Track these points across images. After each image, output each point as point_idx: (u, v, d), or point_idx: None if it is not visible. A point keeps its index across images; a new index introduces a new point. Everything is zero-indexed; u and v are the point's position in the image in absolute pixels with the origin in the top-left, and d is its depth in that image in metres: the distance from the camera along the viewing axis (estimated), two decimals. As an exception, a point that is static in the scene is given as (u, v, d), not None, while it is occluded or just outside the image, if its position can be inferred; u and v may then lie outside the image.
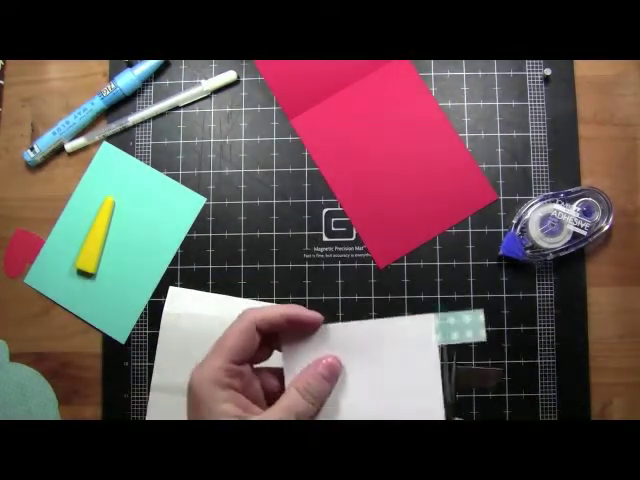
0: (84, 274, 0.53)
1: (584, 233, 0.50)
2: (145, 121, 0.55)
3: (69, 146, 0.54)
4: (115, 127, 0.54)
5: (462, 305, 0.51)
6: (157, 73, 0.55)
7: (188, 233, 0.54)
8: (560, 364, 0.51)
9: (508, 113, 0.53)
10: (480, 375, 0.32)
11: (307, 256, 0.53)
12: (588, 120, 0.53)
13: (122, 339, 0.53)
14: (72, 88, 0.56)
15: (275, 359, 0.35)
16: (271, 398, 0.34)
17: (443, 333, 0.32)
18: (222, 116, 0.55)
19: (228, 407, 0.30)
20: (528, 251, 0.50)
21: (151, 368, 0.52)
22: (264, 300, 0.52)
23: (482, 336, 0.32)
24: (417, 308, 0.52)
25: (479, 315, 0.32)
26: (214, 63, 0.55)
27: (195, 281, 0.53)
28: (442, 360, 0.33)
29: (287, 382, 0.33)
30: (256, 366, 0.34)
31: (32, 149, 0.54)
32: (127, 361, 0.53)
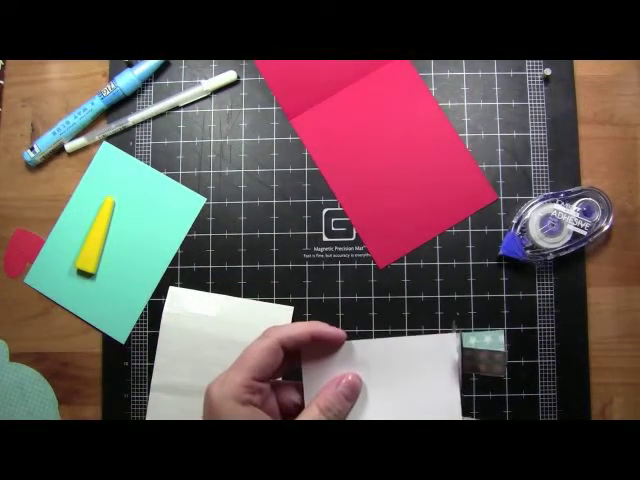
0: (84, 274, 0.53)
1: (584, 233, 0.50)
2: (145, 121, 0.55)
3: (69, 146, 0.54)
4: (115, 127, 0.54)
5: (462, 305, 0.51)
6: (157, 73, 0.55)
7: (188, 233, 0.54)
8: (560, 364, 0.51)
9: (508, 113, 0.53)
10: (486, 358, 0.32)
11: (307, 256, 0.53)
12: (588, 120, 0.53)
13: (122, 339, 0.53)
14: (72, 88, 0.56)
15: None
16: (285, 412, 0.34)
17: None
18: (222, 116, 0.55)
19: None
20: (528, 251, 0.50)
21: (151, 368, 0.52)
22: (264, 300, 0.52)
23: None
24: (417, 308, 0.52)
25: (499, 336, 0.33)
26: (214, 63, 0.55)
27: (195, 281, 0.53)
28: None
29: (307, 398, 0.34)
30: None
31: (32, 149, 0.54)
32: (127, 361, 0.53)
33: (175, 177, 0.54)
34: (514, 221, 0.51)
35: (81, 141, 0.54)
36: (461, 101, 0.54)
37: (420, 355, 0.34)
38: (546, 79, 0.53)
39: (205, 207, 0.54)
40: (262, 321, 0.51)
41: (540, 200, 0.51)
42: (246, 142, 0.54)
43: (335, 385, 0.33)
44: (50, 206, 0.55)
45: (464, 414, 0.46)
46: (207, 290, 0.53)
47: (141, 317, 0.53)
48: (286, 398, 0.35)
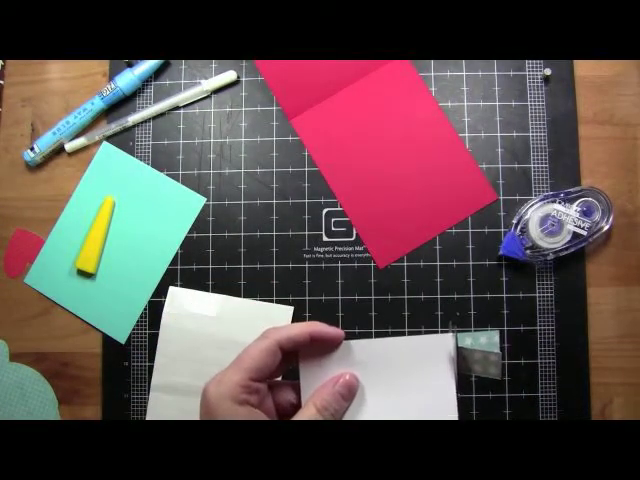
0: (84, 274, 0.53)
1: (584, 233, 0.50)
2: (145, 121, 0.55)
3: (69, 146, 0.54)
4: (115, 127, 0.54)
5: (462, 305, 0.51)
6: (157, 73, 0.55)
7: (188, 233, 0.54)
8: (560, 364, 0.51)
9: (508, 113, 0.53)
10: (481, 359, 0.32)
11: (307, 256, 0.53)
12: (588, 120, 0.53)
13: (122, 339, 0.53)
14: (72, 88, 0.56)
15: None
16: (281, 412, 0.34)
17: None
18: (222, 116, 0.55)
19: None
20: (528, 251, 0.50)
21: (151, 368, 0.52)
22: (264, 300, 0.52)
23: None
24: (417, 308, 0.52)
25: (494, 336, 0.33)
26: (214, 63, 0.55)
27: (195, 281, 0.53)
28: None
29: (304, 398, 0.34)
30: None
31: (32, 149, 0.54)
32: (127, 361, 0.53)
33: (175, 177, 0.54)
34: (514, 221, 0.51)
35: (81, 141, 0.54)
36: (461, 101, 0.54)
37: (417, 355, 0.34)
38: (546, 79, 0.53)
39: (205, 207, 0.54)
40: (262, 321, 0.51)
41: (540, 200, 0.51)
42: (246, 142, 0.54)
43: (332, 384, 0.33)
44: (50, 206, 0.55)
45: (463, 414, 0.46)
46: (207, 290, 0.53)
47: (141, 317, 0.53)
48: (282, 398, 0.35)
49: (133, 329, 0.53)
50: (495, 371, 0.32)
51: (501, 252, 0.51)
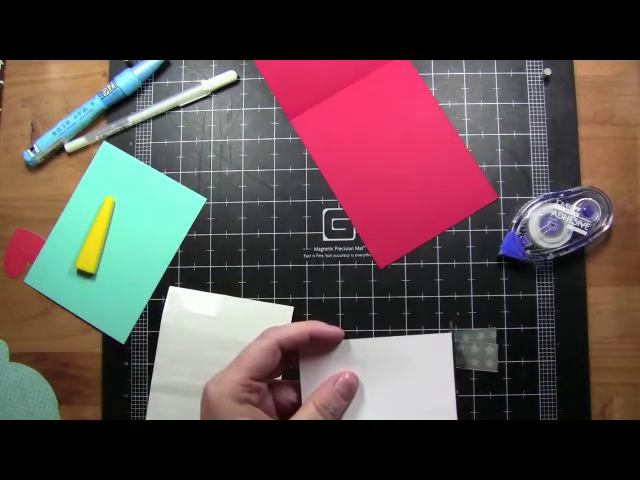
0: (84, 274, 0.53)
1: (584, 233, 0.50)
2: (145, 121, 0.55)
3: (69, 146, 0.54)
4: (115, 127, 0.54)
5: (462, 305, 0.51)
6: (157, 73, 0.55)
7: (188, 233, 0.54)
8: (560, 364, 0.51)
9: (508, 113, 0.53)
10: (477, 353, 0.33)
11: (307, 256, 0.53)
12: (588, 120, 0.53)
13: (122, 339, 0.53)
14: (72, 88, 0.56)
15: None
16: (281, 411, 0.34)
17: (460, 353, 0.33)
18: (222, 116, 0.55)
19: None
20: (528, 251, 0.50)
21: (151, 368, 0.52)
22: (264, 300, 0.52)
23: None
24: (417, 308, 0.52)
25: (491, 332, 0.33)
26: (214, 63, 0.55)
27: (195, 281, 0.53)
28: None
29: (304, 396, 0.34)
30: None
31: (32, 149, 0.54)
32: (127, 361, 0.53)
33: (175, 177, 0.54)
34: (514, 221, 0.51)
35: (81, 141, 0.54)
36: (461, 101, 0.54)
37: (416, 354, 0.34)
38: (546, 79, 0.53)
39: (205, 207, 0.54)
40: (262, 321, 0.51)
41: (540, 200, 0.51)
42: (246, 142, 0.54)
43: (332, 383, 0.33)
44: (50, 206, 0.55)
45: (462, 413, 0.46)
46: (207, 290, 0.53)
47: (141, 317, 0.53)
48: (282, 397, 0.35)
49: (133, 329, 0.53)
50: (492, 364, 0.32)
51: (501, 252, 0.51)
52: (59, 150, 0.55)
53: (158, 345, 0.52)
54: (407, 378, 0.34)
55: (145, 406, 0.52)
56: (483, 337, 0.33)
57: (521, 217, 0.51)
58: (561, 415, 0.50)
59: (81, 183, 0.55)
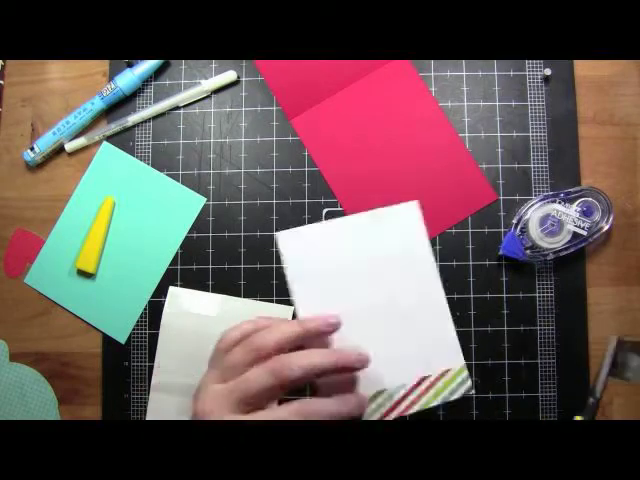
0: (84, 274, 0.53)
1: (584, 233, 0.50)
2: (145, 121, 0.55)
3: (69, 146, 0.54)
4: (115, 127, 0.54)
5: (462, 305, 0.51)
6: (157, 73, 0.55)
7: (188, 233, 0.54)
8: (560, 364, 0.51)
9: (508, 113, 0.53)
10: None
11: (307, 256, 0.53)
12: (588, 120, 0.53)
13: (122, 339, 0.53)
14: (72, 88, 0.56)
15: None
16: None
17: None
18: (222, 116, 0.55)
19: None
20: (528, 251, 0.50)
21: (151, 368, 0.52)
22: (264, 300, 0.52)
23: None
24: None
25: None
26: (214, 63, 0.55)
27: (195, 281, 0.53)
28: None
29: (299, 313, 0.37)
30: None
31: (32, 149, 0.54)
32: (127, 361, 0.53)
33: (175, 177, 0.54)
34: (514, 221, 0.51)
35: (81, 141, 0.54)
36: (461, 101, 0.54)
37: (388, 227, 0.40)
38: (546, 79, 0.53)
39: (205, 207, 0.54)
40: (262, 321, 0.51)
41: (540, 200, 0.51)
42: (246, 142, 0.54)
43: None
44: (50, 206, 0.55)
45: (463, 414, 0.46)
46: (207, 290, 0.53)
47: (141, 317, 0.53)
48: None
49: (133, 329, 0.53)
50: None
51: (501, 252, 0.51)
52: (59, 150, 0.55)
53: (158, 345, 0.52)
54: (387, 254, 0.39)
55: (145, 406, 0.52)
56: None
57: (521, 217, 0.51)
58: (561, 415, 0.50)
59: (81, 183, 0.55)
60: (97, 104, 0.54)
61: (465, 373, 0.39)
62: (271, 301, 0.52)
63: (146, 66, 0.54)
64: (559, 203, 0.50)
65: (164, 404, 0.51)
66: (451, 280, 0.52)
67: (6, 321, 0.54)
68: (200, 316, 0.52)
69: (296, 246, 0.39)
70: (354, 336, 0.36)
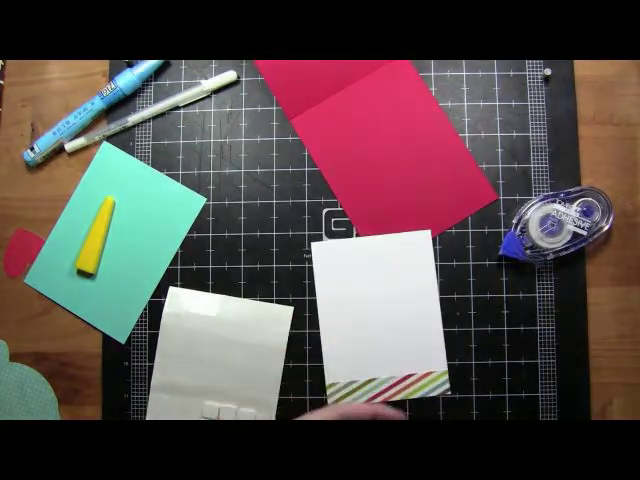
0: (84, 274, 0.53)
1: (584, 233, 0.50)
2: (145, 121, 0.55)
3: (69, 146, 0.54)
4: (115, 127, 0.54)
5: (462, 305, 0.51)
6: (157, 73, 0.55)
7: (188, 233, 0.54)
8: (560, 364, 0.51)
9: (508, 113, 0.53)
10: None
11: (307, 256, 0.53)
12: (588, 120, 0.53)
13: (122, 339, 0.53)
14: (72, 88, 0.56)
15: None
16: None
17: None
18: (222, 116, 0.55)
19: None
20: (528, 251, 0.50)
21: (151, 368, 0.52)
22: (264, 300, 0.52)
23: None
24: (417, 308, 0.52)
25: None
26: (214, 63, 0.55)
27: (195, 281, 0.53)
28: None
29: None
30: None
31: (32, 149, 0.54)
32: (127, 361, 0.53)
33: (175, 177, 0.54)
34: (514, 221, 0.51)
35: (81, 141, 0.54)
36: (461, 101, 0.54)
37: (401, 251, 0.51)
38: (546, 79, 0.53)
39: (205, 207, 0.54)
40: (262, 321, 0.51)
41: (540, 200, 0.51)
42: (246, 142, 0.54)
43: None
44: (50, 206, 0.55)
45: (463, 414, 0.46)
46: (207, 290, 0.53)
47: (141, 317, 0.53)
48: None
49: (133, 329, 0.53)
50: None
51: (501, 252, 0.51)
52: (59, 150, 0.55)
53: (158, 345, 0.52)
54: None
55: (145, 406, 0.52)
56: None
57: (521, 217, 0.51)
58: (561, 415, 0.50)
59: (81, 183, 0.55)
60: (97, 104, 0.54)
61: (446, 377, 0.49)
62: (271, 301, 0.52)
63: (146, 66, 0.54)
64: (559, 203, 0.50)
65: (164, 404, 0.51)
66: (451, 280, 0.52)
67: (6, 321, 0.54)
68: (200, 316, 0.52)
69: (325, 255, 0.52)
70: (362, 333, 0.50)
